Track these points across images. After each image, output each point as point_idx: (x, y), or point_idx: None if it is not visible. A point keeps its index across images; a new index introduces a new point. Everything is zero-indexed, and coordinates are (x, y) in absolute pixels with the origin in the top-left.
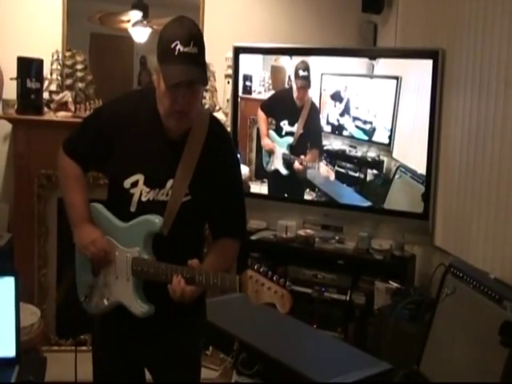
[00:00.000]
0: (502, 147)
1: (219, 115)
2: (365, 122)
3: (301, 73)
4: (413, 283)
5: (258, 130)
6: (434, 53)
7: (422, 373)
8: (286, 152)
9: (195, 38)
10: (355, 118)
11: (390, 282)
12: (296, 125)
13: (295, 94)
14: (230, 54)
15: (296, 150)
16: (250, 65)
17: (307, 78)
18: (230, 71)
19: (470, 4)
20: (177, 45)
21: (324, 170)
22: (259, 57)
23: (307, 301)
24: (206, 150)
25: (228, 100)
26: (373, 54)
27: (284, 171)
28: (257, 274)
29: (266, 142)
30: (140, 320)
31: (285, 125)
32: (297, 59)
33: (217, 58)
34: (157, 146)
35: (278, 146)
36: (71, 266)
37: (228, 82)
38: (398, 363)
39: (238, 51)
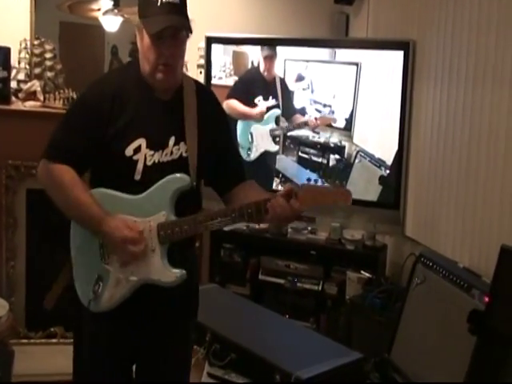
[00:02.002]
0: (472, 138)
1: None
2: (324, 106)
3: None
4: (384, 273)
5: None
6: (405, 44)
7: (392, 361)
8: (274, 126)
9: None
10: (315, 102)
11: (362, 271)
12: (271, 98)
13: (262, 67)
14: (203, 44)
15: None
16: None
17: (274, 49)
18: (203, 61)
19: None
20: None
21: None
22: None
23: (279, 291)
24: (201, 106)
25: None
26: (343, 44)
27: (274, 148)
28: (312, 186)
29: (256, 111)
30: (134, 312)
31: (260, 101)
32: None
33: (189, 48)
34: (151, 108)
35: (261, 126)
36: (64, 269)
37: (200, 72)
38: (370, 352)
39: (210, 41)
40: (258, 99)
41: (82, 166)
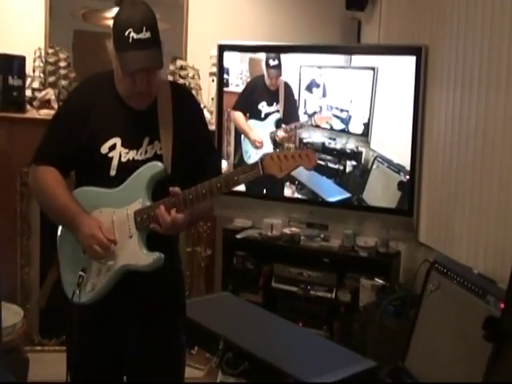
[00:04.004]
0: (485, 144)
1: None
2: (342, 111)
3: (271, 63)
4: (398, 279)
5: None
6: (417, 49)
7: (406, 369)
8: (274, 129)
9: (147, 22)
10: (332, 107)
11: (376, 278)
12: (275, 104)
13: (268, 82)
14: (215, 52)
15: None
16: (228, 58)
17: (278, 67)
18: (215, 69)
19: (452, 0)
20: (130, 32)
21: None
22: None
23: (293, 299)
24: (176, 109)
25: (213, 98)
26: (356, 50)
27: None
28: (276, 153)
29: (254, 137)
30: (120, 315)
31: (263, 107)
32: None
33: (201, 56)
34: (126, 115)
35: (263, 129)
36: (52, 267)
37: (212, 80)
38: (384, 359)
39: (222, 49)
40: (262, 105)
41: (65, 166)
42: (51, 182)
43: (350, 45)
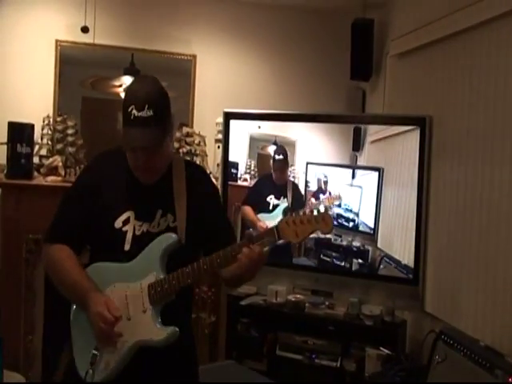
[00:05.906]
0: (490, 216)
1: None
2: (347, 220)
3: (277, 157)
4: (404, 349)
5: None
6: (421, 120)
7: None
8: (282, 217)
9: (151, 100)
10: (339, 216)
11: (381, 348)
12: (282, 198)
13: (274, 176)
14: (221, 119)
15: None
16: (236, 153)
17: (284, 160)
18: (221, 136)
19: (455, 71)
20: (132, 109)
21: None
22: (245, 144)
23: (297, 367)
24: (190, 184)
25: (218, 164)
26: (360, 120)
27: None
28: (291, 218)
29: (260, 224)
30: None
31: (271, 199)
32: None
33: (207, 122)
34: (139, 189)
35: (272, 220)
36: (64, 350)
37: (218, 147)
38: None
39: (228, 117)
40: (270, 197)
41: (77, 243)
42: (63, 259)
43: (355, 114)
